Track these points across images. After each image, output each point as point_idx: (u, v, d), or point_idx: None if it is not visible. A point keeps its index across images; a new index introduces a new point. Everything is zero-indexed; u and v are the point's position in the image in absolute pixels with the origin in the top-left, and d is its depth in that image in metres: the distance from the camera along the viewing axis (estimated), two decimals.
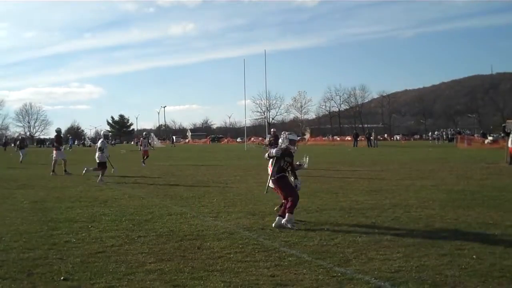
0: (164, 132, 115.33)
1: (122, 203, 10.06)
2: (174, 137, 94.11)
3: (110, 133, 26.36)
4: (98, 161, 14.98)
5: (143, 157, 23.16)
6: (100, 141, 15.65)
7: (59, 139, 18.75)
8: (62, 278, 4.78)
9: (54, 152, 18.08)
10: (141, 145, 24.88)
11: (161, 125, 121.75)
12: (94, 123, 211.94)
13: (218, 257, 5.49)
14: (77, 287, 4.55)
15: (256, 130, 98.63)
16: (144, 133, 29.09)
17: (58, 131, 19.18)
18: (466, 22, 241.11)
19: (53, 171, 17.51)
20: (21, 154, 25.83)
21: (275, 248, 5.87)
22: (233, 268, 5.04)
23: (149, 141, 27.16)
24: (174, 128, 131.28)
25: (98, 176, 14.54)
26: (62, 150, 18.82)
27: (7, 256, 5.65)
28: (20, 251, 5.87)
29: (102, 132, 18.15)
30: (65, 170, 17.51)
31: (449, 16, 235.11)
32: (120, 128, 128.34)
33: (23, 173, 18.81)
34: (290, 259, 5.37)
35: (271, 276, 4.77)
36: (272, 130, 20.77)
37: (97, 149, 15.30)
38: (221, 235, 6.70)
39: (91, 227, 7.41)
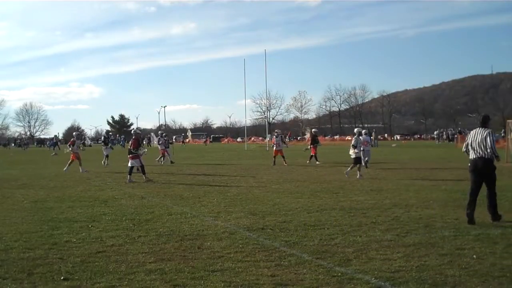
0: (164, 132, 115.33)
1: (122, 203, 10.07)
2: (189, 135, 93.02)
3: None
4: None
5: (162, 157, 23.29)
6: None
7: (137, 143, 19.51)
8: (62, 277, 4.78)
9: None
10: (159, 144, 24.30)
11: (161, 124, 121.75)
12: (95, 123, 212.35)
13: (218, 257, 5.50)
14: (77, 287, 4.56)
15: (256, 130, 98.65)
16: (159, 132, 27.11)
17: (137, 133, 19.77)
18: (466, 22, 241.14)
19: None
20: (167, 154, 24.03)
21: (275, 248, 5.87)
22: (233, 268, 5.04)
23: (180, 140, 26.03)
24: (174, 128, 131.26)
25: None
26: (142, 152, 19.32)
27: (7, 256, 5.66)
28: (20, 251, 5.88)
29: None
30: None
31: (449, 16, 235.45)
32: (121, 128, 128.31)
33: (23, 173, 18.82)
34: (291, 258, 5.37)
35: (272, 276, 4.77)
36: (313, 130, 24.91)
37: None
38: (221, 235, 6.70)
39: (91, 226, 7.41)
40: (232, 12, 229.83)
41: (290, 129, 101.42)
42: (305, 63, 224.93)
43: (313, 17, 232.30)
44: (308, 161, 21.76)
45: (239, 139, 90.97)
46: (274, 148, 21.71)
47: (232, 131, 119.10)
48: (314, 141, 22.19)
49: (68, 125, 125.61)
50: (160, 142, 23.96)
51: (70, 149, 19.64)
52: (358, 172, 14.61)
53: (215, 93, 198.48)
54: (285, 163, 20.65)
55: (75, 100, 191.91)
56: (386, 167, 18.79)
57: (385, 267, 5.00)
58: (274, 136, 22.75)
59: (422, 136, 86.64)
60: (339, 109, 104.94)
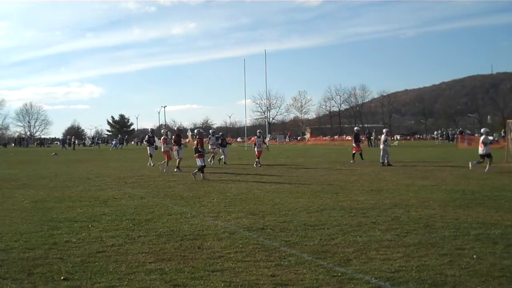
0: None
1: (122, 203, 10.06)
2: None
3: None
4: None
5: (212, 157, 22.21)
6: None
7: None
8: (62, 277, 4.78)
9: (175, 149, 19.40)
10: (211, 144, 23.00)
11: (161, 124, 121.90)
12: (95, 123, 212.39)
13: (218, 257, 5.50)
14: (77, 287, 4.56)
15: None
16: (211, 131, 25.31)
17: (201, 133, 19.56)
18: (466, 22, 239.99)
19: (177, 167, 18.48)
20: (223, 154, 22.86)
21: (275, 248, 5.87)
22: (233, 268, 5.05)
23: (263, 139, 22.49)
24: (174, 128, 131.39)
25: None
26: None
27: (7, 256, 5.66)
28: (20, 251, 5.88)
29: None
30: (178, 167, 18.51)
31: (449, 16, 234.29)
32: (121, 128, 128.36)
33: (23, 173, 18.82)
34: (291, 258, 5.38)
35: (272, 275, 4.77)
36: (355, 128, 24.60)
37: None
38: (221, 235, 6.70)
39: (91, 226, 7.41)
40: (233, 12, 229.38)
41: (290, 129, 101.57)
42: (305, 63, 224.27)
43: (313, 17, 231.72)
44: (352, 160, 22.03)
45: (239, 139, 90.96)
46: (256, 148, 21.36)
47: (232, 131, 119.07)
48: (357, 139, 22.73)
49: (68, 125, 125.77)
50: (211, 142, 22.94)
51: (183, 142, 20.03)
52: (488, 165, 15.99)
53: (215, 93, 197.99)
54: (259, 164, 20.58)
55: (75, 100, 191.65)
56: (386, 167, 18.79)
57: (385, 267, 5.01)
58: (256, 136, 22.21)
59: (422, 136, 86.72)
60: (339, 109, 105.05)
